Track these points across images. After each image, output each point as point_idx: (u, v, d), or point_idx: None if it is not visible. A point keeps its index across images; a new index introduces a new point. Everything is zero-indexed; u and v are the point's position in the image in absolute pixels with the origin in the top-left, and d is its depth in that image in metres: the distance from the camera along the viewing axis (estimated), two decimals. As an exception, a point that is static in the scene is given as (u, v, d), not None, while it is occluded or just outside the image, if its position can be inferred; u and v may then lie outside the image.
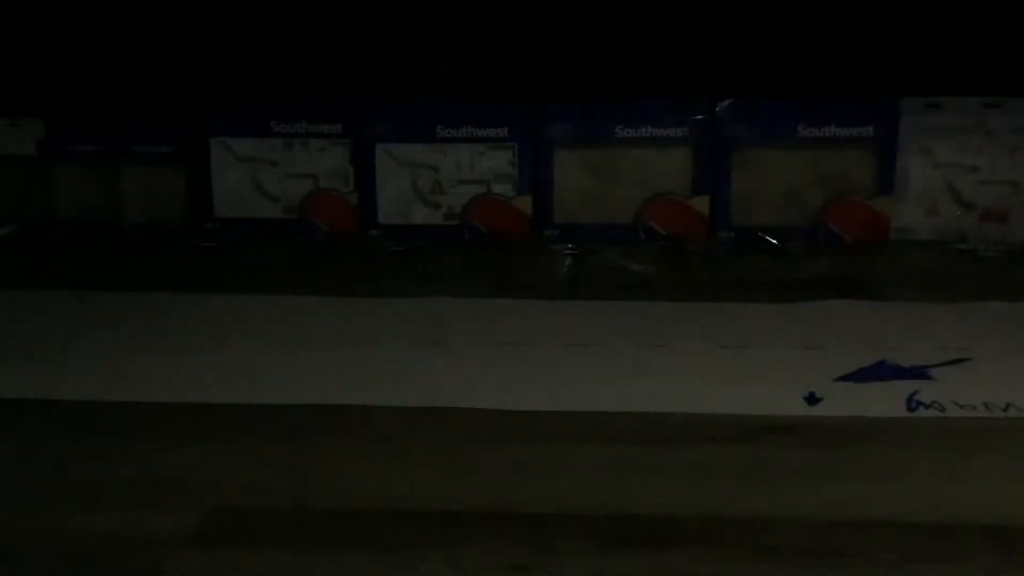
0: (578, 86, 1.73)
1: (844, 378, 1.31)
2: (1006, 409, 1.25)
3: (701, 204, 1.69)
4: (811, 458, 1.17)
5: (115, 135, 1.74)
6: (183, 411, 1.27)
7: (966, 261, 1.63)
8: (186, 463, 1.18)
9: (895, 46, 1.73)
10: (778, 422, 1.23)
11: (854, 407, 1.26)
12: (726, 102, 1.68)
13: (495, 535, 1.06)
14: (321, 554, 1.05)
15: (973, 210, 1.67)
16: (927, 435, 1.21)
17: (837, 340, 1.39)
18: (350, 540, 1.06)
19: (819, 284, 1.55)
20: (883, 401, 1.27)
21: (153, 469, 1.17)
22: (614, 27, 1.75)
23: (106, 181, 1.75)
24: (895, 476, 1.14)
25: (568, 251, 1.68)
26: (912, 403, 1.26)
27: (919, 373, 1.32)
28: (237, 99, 1.74)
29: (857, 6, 1.74)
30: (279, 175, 1.74)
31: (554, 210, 1.72)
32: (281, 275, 1.63)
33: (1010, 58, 1.70)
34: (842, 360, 1.34)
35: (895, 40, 1.73)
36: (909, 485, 1.13)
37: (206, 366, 1.36)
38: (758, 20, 1.72)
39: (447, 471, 1.16)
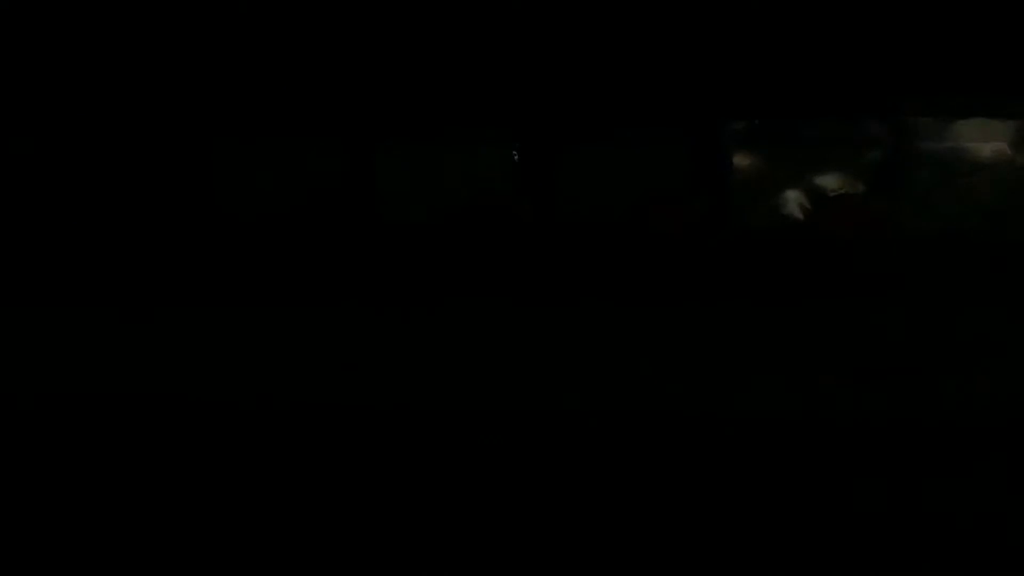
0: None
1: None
2: (1004, 408, 1.25)
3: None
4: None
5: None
6: None
7: (964, 261, 1.63)
8: None
9: (895, 46, 1.73)
10: None
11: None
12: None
13: None
14: None
15: (971, 210, 1.67)
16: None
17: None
18: None
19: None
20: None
21: None
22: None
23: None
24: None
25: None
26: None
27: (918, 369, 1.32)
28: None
29: (857, 7, 1.74)
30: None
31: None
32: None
33: (1009, 58, 1.70)
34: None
35: (895, 39, 1.74)
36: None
37: None
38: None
39: None
